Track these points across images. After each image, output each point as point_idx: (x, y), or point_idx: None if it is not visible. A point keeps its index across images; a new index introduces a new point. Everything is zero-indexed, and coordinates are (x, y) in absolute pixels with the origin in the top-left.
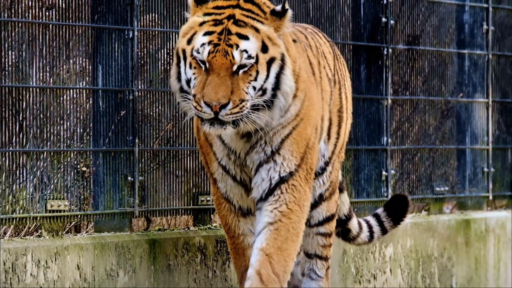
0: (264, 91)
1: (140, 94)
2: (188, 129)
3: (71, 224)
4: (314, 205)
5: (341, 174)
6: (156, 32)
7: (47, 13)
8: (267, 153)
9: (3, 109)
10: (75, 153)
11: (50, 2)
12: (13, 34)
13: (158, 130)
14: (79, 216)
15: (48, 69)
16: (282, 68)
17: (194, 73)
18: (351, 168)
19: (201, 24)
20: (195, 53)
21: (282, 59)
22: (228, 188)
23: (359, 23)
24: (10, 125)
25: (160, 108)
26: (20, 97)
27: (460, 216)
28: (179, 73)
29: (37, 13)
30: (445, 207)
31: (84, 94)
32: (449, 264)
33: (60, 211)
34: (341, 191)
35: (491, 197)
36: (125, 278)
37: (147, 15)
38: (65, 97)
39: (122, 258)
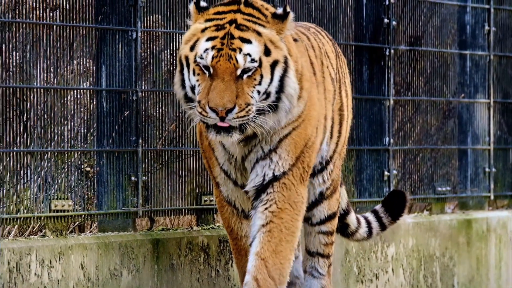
0: (268, 95)
1: (143, 94)
2: (191, 130)
3: (75, 224)
4: (315, 204)
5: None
6: (160, 33)
7: (51, 14)
8: (264, 151)
9: (8, 110)
10: (79, 153)
11: (54, 3)
12: (17, 35)
13: (162, 131)
14: (83, 216)
15: (52, 69)
16: (285, 70)
17: (198, 80)
18: (353, 168)
19: (203, 30)
20: (198, 59)
21: (285, 62)
22: (230, 192)
23: (361, 24)
24: (15, 125)
25: (163, 108)
26: (25, 98)
27: (462, 216)
28: (183, 80)
29: (41, 14)
30: (447, 207)
31: (88, 95)
32: (450, 263)
33: (64, 211)
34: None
35: (492, 197)
36: (128, 278)
37: (151, 16)
38: (69, 97)
39: (126, 257)
